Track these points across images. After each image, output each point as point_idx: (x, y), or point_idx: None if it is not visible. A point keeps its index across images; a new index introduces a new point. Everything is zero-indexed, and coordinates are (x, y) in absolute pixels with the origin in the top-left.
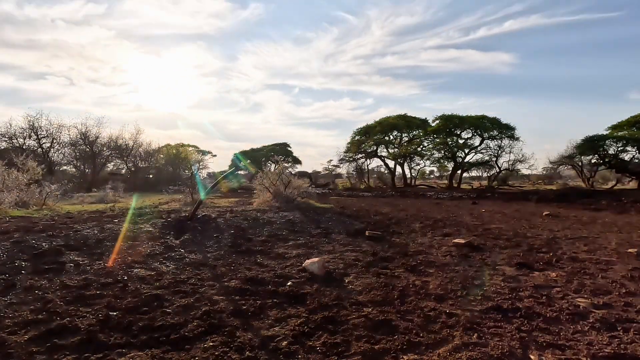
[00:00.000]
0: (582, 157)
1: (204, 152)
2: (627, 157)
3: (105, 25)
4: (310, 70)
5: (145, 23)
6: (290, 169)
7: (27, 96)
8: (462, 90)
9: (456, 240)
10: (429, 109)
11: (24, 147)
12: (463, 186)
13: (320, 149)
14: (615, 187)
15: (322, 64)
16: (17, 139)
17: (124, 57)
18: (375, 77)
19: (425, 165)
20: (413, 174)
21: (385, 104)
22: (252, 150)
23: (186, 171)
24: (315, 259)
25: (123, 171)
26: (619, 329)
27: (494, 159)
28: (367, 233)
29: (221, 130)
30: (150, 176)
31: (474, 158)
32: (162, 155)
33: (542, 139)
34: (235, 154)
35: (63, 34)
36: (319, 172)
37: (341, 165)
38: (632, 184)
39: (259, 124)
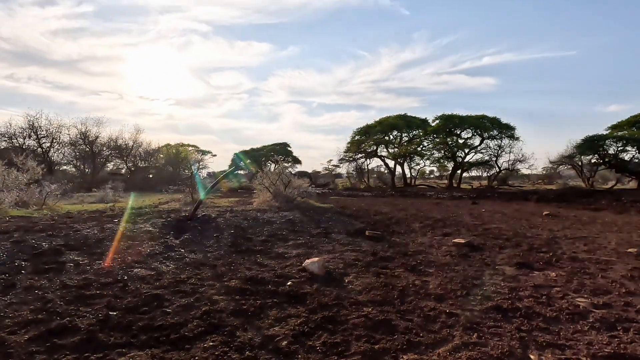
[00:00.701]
0: (582, 157)
1: (203, 152)
2: (627, 157)
3: (172, 58)
4: (326, 90)
5: (204, 60)
6: (290, 169)
7: (79, 108)
8: (455, 105)
9: (456, 240)
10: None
11: (23, 147)
12: (463, 186)
13: (324, 151)
14: (615, 187)
15: (336, 86)
16: (17, 139)
17: (177, 81)
18: (380, 94)
19: (425, 165)
20: (413, 174)
21: (387, 112)
22: (252, 150)
23: (186, 171)
24: (315, 259)
25: (123, 171)
26: (618, 328)
27: (494, 159)
28: (367, 233)
29: (238, 135)
30: (150, 176)
31: (473, 158)
32: (162, 155)
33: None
34: (235, 154)
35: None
36: (319, 172)
37: (341, 165)
38: (632, 184)
39: (273, 130)
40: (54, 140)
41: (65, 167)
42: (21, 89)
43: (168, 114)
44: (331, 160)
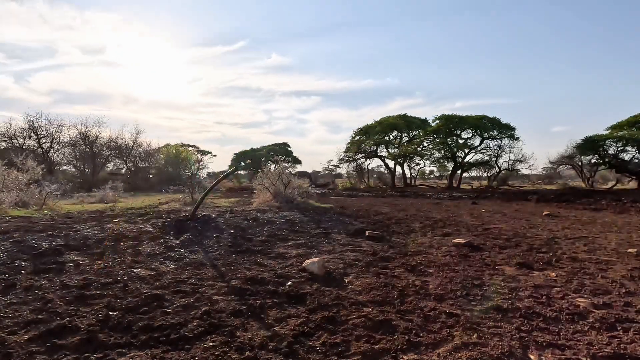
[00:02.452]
0: (582, 157)
1: (204, 152)
2: (627, 157)
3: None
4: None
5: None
6: (290, 169)
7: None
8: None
9: (456, 240)
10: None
11: (23, 147)
12: (463, 186)
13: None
14: (615, 187)
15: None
16: (17, 139)
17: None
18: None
19: (425, 165)
20: (413, 174)
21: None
22: (252, 150)
23: (186, 171)
24: (315, 259)
25: (123, 171)
26: (618, 328)
27: (494, 159)
28: (367, 233)
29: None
30: (150, 176)
31: (473, 158)
32: (162, 155)
33: None
34: (235, 154)
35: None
36: (319, 172)
37: (341, 165)
38: (632, 184)
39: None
40: (54, 141)
41: (65, 167)
42: None
43: (202, 124)
44: (331, 160)
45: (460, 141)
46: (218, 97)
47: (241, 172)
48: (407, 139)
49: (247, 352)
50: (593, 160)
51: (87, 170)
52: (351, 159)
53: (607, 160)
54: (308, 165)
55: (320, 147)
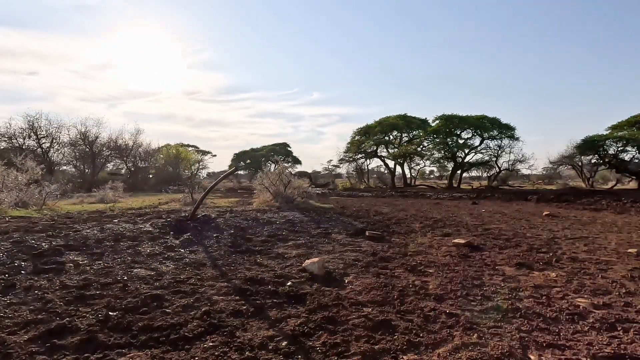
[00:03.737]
0: (582, 157)
1: (203, 152)
2: (627, 157)
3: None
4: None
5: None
6: (290, 169)
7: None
8: None
9: (456, 240)
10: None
11: (23, 147)
12: (463, 186)
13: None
14: (615, 187)
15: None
16: (16, 139)
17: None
18: None
19: (425, 166)
20: (413, 174)
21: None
22: (252, 150)
23: (186, 171)
24: (315, 259)
25: (123, 171)
26: (619, 329)
27: (494, 159)
28: (367, 233)
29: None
30: (150, 176)
31: (474, 158)
32: (161, 155)
33: None
34: (235, 154)
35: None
36: (319, 172)
37: (341, 165)
38: (632, 184)
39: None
40: (54, 141)
41: (65, 168)
42: None
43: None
44: (331, 160)
45: (460, 141)
46: (261, 117)
47: (241, 172)
48: (407, 139)
49: (247, 353)
50: (593, 161)
51: (87, 171)
52: (351, 159)
53: (607, 160)
54: (308, 165)
55: (328, 152)
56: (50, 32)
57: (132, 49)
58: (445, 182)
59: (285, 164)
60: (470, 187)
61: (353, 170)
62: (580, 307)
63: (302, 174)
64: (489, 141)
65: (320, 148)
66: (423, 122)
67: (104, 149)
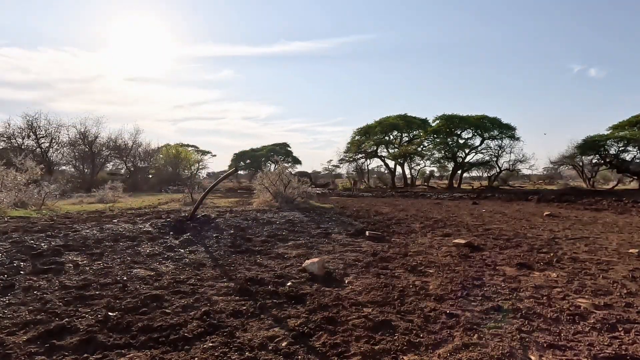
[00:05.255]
0: (583, 157)
1: (203, 152)
2: (628, 157)
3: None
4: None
5: None
6: (290, 169)
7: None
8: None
9: (456, 241)
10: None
11: (22, 147)
12: (463, 186)
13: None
14: (616, 187)
15: None
16: (15, 139)
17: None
18: None
19: (425, 166)
20: (413, 174)
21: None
22: (252, 150)
23: (186, 171)
24: (315, 259)
25: (122, 171)
26: (619, 329)
27: (495, 159)
28: (367, 233)
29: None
30: (150, 176)
31: (474, 158)
32: (161, 155)
33: None
34: (235, 154)
35: None
36: (319, 172)
37: (341, 165)
38: (633, 184)
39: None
40: (53, 141)
41: (64, 168)
42: None
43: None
44: (331, 160)
45: (461, 141)
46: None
47: (241, 172)
48: (407, 139)
49: (247, 353)
50: (594, 161)
51: (86, 170)
52: (351, 159)
53: (608, 160)
54: (308, 165)
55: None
56: None
57: None
58: (445, 182)
59: (285, 164)
60: (471, 187)
61: (353, 170)
62: (581, 307)
63: (302, 174)
64: (489, 141)
65: (328, 152)
66: (423, 122)
67: (104, 148)
